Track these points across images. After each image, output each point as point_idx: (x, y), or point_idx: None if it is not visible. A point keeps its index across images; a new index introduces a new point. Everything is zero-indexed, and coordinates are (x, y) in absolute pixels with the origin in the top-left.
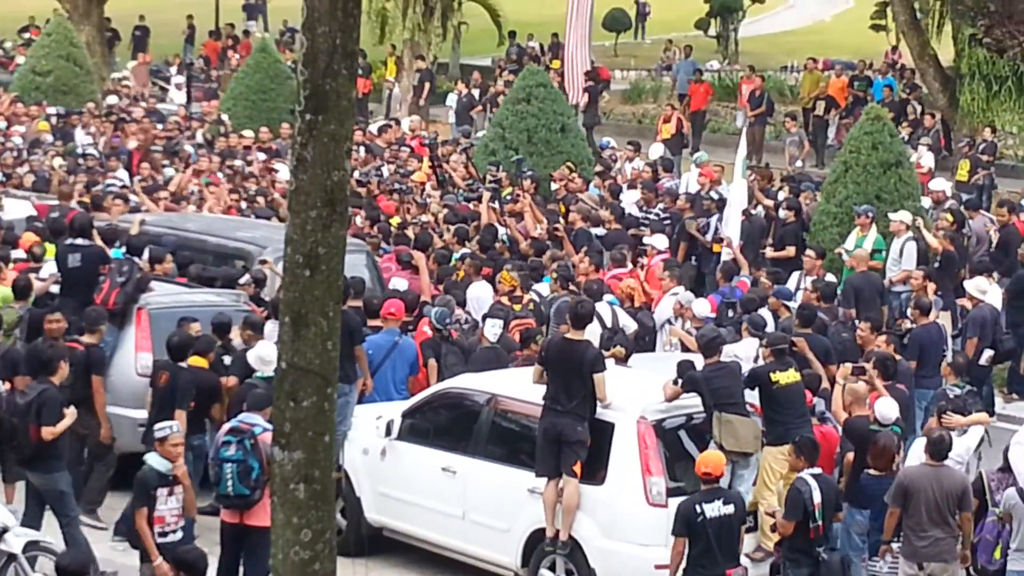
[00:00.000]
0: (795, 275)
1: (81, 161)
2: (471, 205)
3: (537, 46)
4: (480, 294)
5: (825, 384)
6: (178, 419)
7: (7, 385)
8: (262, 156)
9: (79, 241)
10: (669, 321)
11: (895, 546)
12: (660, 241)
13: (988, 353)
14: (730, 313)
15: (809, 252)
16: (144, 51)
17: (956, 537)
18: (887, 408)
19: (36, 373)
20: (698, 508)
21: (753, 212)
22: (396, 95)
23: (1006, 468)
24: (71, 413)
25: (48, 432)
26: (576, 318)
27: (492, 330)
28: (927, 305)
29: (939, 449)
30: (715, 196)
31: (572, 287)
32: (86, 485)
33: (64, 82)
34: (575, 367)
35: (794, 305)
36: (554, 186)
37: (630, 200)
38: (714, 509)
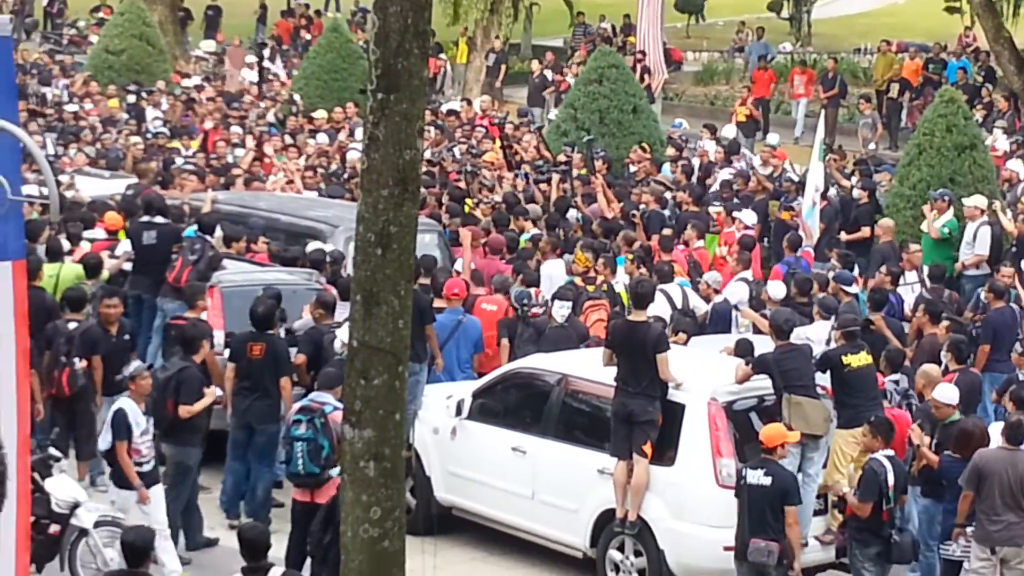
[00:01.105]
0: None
1: (152, 139)
2: (541, 187)
3: (609, 27)
4: (553, 272)
5: (907, 361)
6: (285, 387)
7: (84, 364)
8: (342, 136)
9: (156, 219)
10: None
11: (968, 530)
12: (748, 216)
13: None
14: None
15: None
16: (217, 31)
17: None
18: (947, 393)
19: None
20: (743, 472)
21: (829, 194)
22: (449, 74)
23: None
24: (211, 392)
25: (185, 411)
26: (637, 298)
27: (560, 311)
28: (1001, 289)
29: (1016, 433)
30: (794, 178)
31: (644, 269)
32: None
33: (137, 61)
34: (640, 348)
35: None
36: (632, 168)
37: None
38: (754, 477)
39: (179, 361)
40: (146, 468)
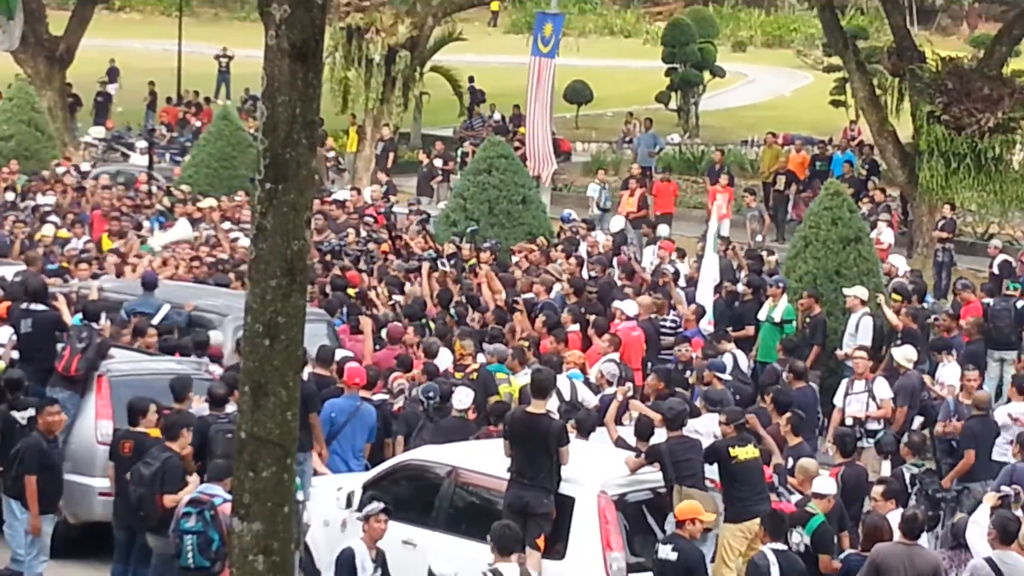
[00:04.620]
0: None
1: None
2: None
3: (499, 117)
4: (442, 359)
5: (777, 459)
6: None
7: None
8: (227, 225)
9: (33, 306)
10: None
11: None
12: (629, 307)
13: (919, 419)
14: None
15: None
16: (106, 117)
17: None
18: (824, 485)
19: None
20: (657, 547)
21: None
22: (334, 163)
23: (956, 546)
24: (194, 481)
25: (170, 500)
26: (537, 388)
27: (460, 398)
28: (801, 369)
29: (913, 527)
30: (680, 270)
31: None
32: None
33: (25, 147)
34: (540, 440)
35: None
36: (514, 258)
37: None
38: (663, 552)
39: (160, 452)
40: None
